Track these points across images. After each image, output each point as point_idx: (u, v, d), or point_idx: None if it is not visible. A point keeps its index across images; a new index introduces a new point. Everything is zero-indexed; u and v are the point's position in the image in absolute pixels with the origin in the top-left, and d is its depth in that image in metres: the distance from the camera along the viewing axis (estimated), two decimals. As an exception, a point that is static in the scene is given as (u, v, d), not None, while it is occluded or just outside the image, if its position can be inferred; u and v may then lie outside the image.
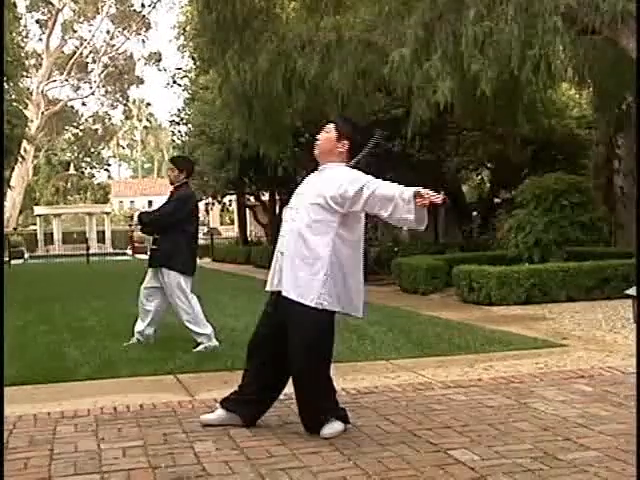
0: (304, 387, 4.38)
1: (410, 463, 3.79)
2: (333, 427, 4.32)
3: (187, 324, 7.40)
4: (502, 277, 10.66)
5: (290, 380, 4.50)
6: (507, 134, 16.83)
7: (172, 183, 7.69)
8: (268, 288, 4.54)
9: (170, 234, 7.38)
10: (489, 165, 21.02)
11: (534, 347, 7.09)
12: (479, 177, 24.13)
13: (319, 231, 4.29)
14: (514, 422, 4.48)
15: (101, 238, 45.51)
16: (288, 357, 4.35)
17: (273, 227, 27.80)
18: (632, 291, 7.49)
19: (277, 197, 27.01)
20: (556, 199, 12.40)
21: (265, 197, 27.99)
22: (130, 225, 9.18)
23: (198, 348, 7.27)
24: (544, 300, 10.63)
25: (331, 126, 4.54)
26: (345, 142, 4.46)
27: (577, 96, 19.15)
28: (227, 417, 4.56)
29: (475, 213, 21.65)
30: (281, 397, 5.18)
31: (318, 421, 4.34)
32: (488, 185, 23.15)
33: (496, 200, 21.39)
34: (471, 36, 10.06)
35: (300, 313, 4.26)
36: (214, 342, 7.33)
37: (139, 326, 7.70)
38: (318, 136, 4.57)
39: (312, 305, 4.24)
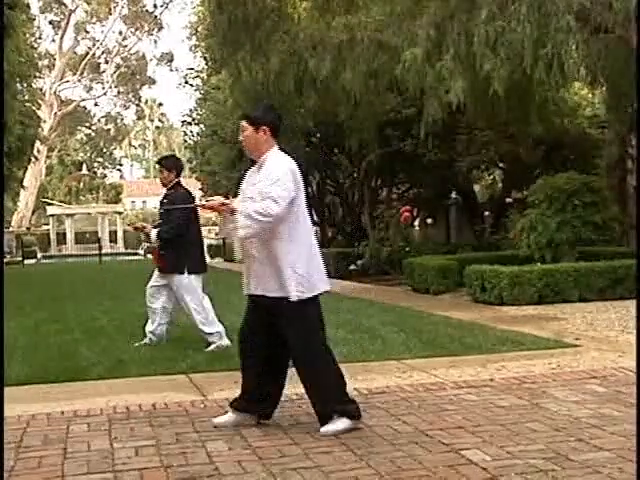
0: (307, 379, 4.48)
1: (422, 463, 3.79)
2: (335, 425, 4.35)
3: (199, 325, 7.41)
4: (514, 277, 10.63)
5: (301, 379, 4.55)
6: (519, 134, 16.75)
7: (164, 185, 7.68)
8: (246, 292, 4.63)
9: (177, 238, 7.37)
10: (501, 165, 20.95)
11: (546, 347, 7.06)
12: (491, 177, 24.07)
13: (272, 230, 4.37)
14: (526, 422, 4.47)
15: (113, 238, 45.72)
16: (289, 352, 4.48)
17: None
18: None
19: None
20: (568, 199, 12.34)
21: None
22: (148, 243, 9.10)
23: (210, 348, 7.29)
24: (556, 300, 10.59)
25: (243, 123, 4.62)
26: (264, 127, 4.53)
27: (590, 95, 19.07)
28: (239, 418, 4.59)
29: (487, 213, 21.59)
30: (293, 397, 5.20)
31: (325, 414, 4.40)
32: (500, 185, 23.09)
33: (508, 200, 21.29)
34: (483, 35, 10.04)
35: (285, 308, 4.37)
36: (225, 341, 7.33)
37: (149, 326, 7.73)
38: (240, 139, 4.65)
39: (294, 299, 4.35)
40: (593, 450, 3.91)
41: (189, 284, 7.40)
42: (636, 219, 11.02)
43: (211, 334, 7.37)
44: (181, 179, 7.75)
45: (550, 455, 3.84)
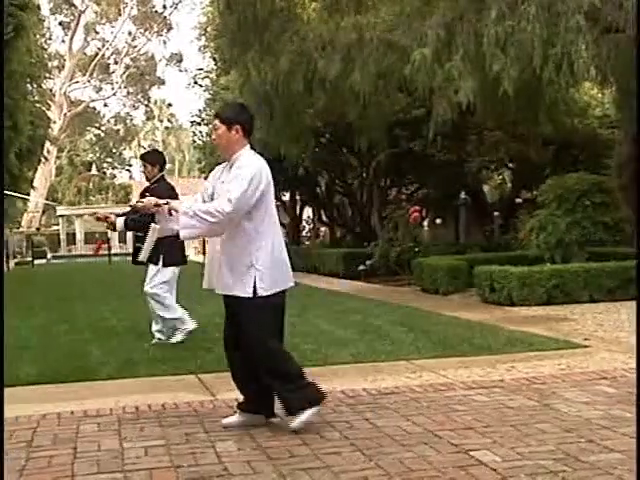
0: (264, 375, 4.52)
1: (431, 464, 3.78)
2: (300, 419, 4.42)
3: (158, 312, 7.70)
4: (524, 277, 10.60)
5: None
6: (529, 134, 16.72)
7: (148, 180, 7.72)
8: (205, 286, 4.74)
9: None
10: (510, 165, 20.90)
11: (556, 348, 7.05)
12: (500, 177, 24.01)
13: (238, 227, 4.43)
14: (536, 423, 4.46)
15: (122, 238, 45.76)
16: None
17: (294, 227, 27.85)
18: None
19: (298, 197, 27.03)
20: (578, 199, 12.31)
21: (286, 197, 28.02)
22: (113, 231, 8.99)
23: (152, 342, 7.70)
24: (566, 301, 10.56)
25: (216, 122, 4.64)
26: (236, 127, 4.55)
27: (600, 95, 18.99)
28: (247, 418, 4.63)
29: (496, 213, 21.54)
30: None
31: (288, 411, 4.48)
32: (509, 185, 23.03)
33: (517, 200, 21.26)
34: (493, 36, 10.02)
35: (244, 304, 4.44)
36: (191, 325, 7.74)
37: (155, 326, 7.80)
38: (212, 137, 4.71)
39: (250, 295, 4.41)
40: (604, 451, 3.89)
41: (163, 276, 7.60)
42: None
43: (159, 331, 7.70)
44: (164, 174, 7.78)
45: (560, 456, 3.83)
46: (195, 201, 4.64)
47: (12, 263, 32.83)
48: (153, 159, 7.74)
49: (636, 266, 10.03)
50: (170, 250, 7.54)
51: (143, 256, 5.51)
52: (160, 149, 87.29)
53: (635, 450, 3.54)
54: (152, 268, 7.65)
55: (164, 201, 4.66)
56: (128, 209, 7.58)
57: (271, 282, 4.45)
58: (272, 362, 4.49)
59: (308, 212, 30.80)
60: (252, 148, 4.64)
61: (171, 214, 4.55)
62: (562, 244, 12.16)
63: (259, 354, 4.48)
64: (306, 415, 4.42)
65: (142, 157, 8.00)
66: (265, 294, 4.43)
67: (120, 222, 7.54)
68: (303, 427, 4.39)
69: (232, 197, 4.34)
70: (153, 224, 4.75)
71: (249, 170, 4.43)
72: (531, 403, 4.98)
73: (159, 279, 7.64)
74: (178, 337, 7.75)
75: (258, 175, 4.43)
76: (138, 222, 7.15)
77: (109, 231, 41.69)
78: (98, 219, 7.93)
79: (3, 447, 3.74)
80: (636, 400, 4.13)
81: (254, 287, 4.40)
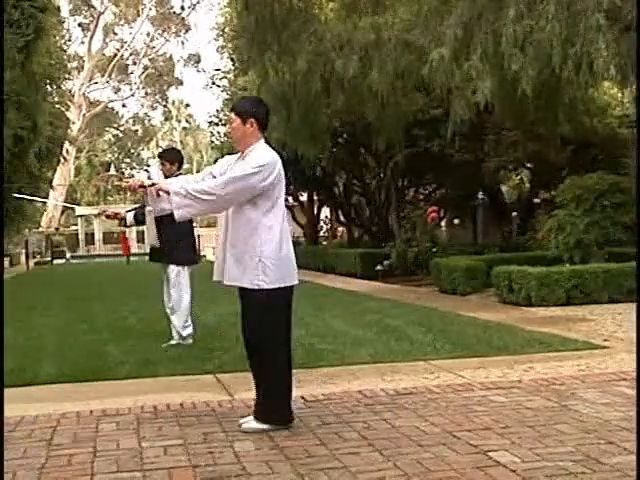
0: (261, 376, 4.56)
1: (450, 465, 3.77)
2: (256, 427, 4.46)
3: (171, 316, 7.70)
4: (542, 278, 10.55)
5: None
6: (547, 134, 16.63)
7: (167, 178, 7.71)
8: (215, 278, 4.69)
9: (169, 229, 7.23)
10: (528, 165, 20.80)
11: (575, 349, 7.01)
12: (518, 177, 23.90)
13: (243, 217, 4.44)
14: (555, 424, 4.44)
15: (141, 238, 45.96)
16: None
17: (311, 227, 27.86)
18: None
19: (315, 197, 27.03)
20: (597, 199, 12.24)
21: (303, 197, 28.04)
22: (126, 228, 9.04)
23: (171, 342, 7.65)
24: (585, 301, 10.50)
25: (232, 114, 4.66)
26: (251, 120, 4.54)
27: (619, 95, 18.86)
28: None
29: (514, 213, 21.45)
30: (320, 397, 5.21)
31: (256, 412, 4.51)
32: (527, 185, 22.92)
33: (535, 200, 21.16)
34: (511, 35, 9.97)
35: (249, 296, 4.47)
36: (188, 341, 7.66)
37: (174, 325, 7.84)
38: (227, 130, 4.72)
39: (254, 287, 4.41)
40: (623, 453, 3.86)
41: (178, 274, 7.61)
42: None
43: (177, 331, 7.67)
44: (182, 172, 7.81)
45: (580, 458, 3.81)
46: (194, 181, 4.62)
47: (32, 263, 33.06)
48: (172, 157, 7.75)
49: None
50: (185, 248, 7.57)
51: (151, 239, 5.42)
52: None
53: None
54: (172, 268, 7.64)
55: (150, 182, 4.64)
56: (137, 205, 7.61)
57: (275, 276, 4.42)
58: (267, 362, 4.48)
59: (326, 212, 30.81)
60: (268, 144, 4.64)
61: (159, 195, 4.52)
62: (581, 244, 12.09)
63: (256, 347, 4.50)
64: (265, 427, 4.43)
65: (160, 155, 8.01)
66: (267, 287, 4.40)
67: (130, 217, 7.60)
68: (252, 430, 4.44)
69: (232, 176, 4.36)
70: (148, 207, 4.71)
71: (260, 159, 4.44)
72: (550, 404, 4.95)
73: (179, 281, 7.65)
74: (173, 342, 7.75)
75: (268, 166, 4.43)
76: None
77: (127, 230, 41.90)
78: (108, 217, 7.99)
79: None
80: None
81: (257, 279, 4.39)
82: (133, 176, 61.84)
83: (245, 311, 4.54)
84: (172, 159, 7.69)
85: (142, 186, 4.61)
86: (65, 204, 44.15)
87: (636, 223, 10.90)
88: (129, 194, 49.40)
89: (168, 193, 4.44)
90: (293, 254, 4.60)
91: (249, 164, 4.42)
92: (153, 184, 4.60)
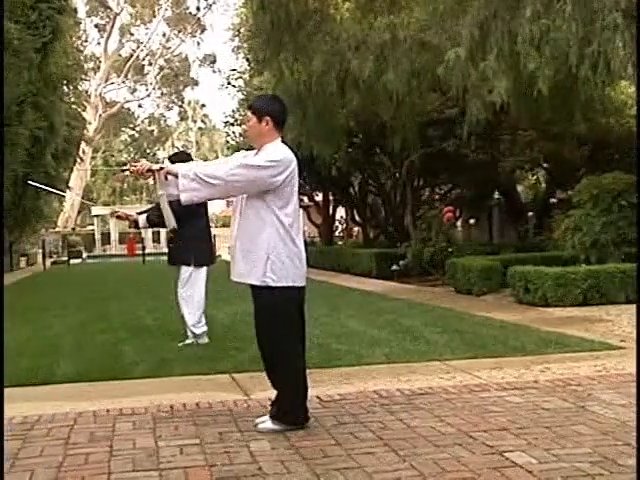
0: (276, 377, 4.57)
1: (466, 465, 3.76)
2: (271, 427, 4.46)
3: (186, 317, 7.71)
4: (559, 278, 10.50)
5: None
6: (563, 133, 16.56)
7: None
8: (232, 277, 4.65)
9: (181, 231, 7.29)
10: (545, 165, 20.72)
11: (591, 349, 6.97)
12: (534, 177, 23.82)
13: (255, 214, 4.41)
14: (572, 425, 4.42)
15: (156, 238, 46.15)
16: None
17: (326, 227, 27.86)
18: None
19: (331, 197, 27.03)
20: (614, 199, 12.16)
21: (319, 197, 28.05)
22: (135, 230, 9.14)
23: (186, 341, 7.68)
24: (602, 302, 10.44)
25: (248, 113, 4.65)
26: (267, 118, 4.51)
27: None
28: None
29: (530, 213, 21.37)
30: (336, 397, 5.21)
31: (272, 410, 4.51)
32: (543, 185, 22.84)
33: (552, 200, 21.08)
34: (527, 34, 9.94)
35: (255, 294, 4.47)
36: (203, 340, 7.70)
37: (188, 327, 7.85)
38: (243, 129, 4.71)
39: (260, 284, 4.39)
40: (641, 454, 3.84)
41: (191, 275, 7.62)
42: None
43: (194, 327, 7.69)
44: None
45: (597, 459, 3.79)
46: (204, 165, 4.62)
47: (48, 262, 33.26)
48: (182, 160, 7.77)
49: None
50: (200, 249, 7.59)
51: (169, 223, 5.36)
52: (193, 150, 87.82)
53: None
54: (185, 269, 7.66)
55: (158, 166, 4.60)
56: (150, 206, 7.59)
57: (282, 275, 4.38)
58: (281, 362, 4.47)
59: (341, 212, 30.81)
60: (285, 143, 4.61)
61: (167, 178, 4.50)
62: (597, 244, 12.02)
63: (268, 347, 4.48)
64: (281, 427, 4.43)
65: (170, 158, 8.04)
66: (274, 285, 4.36)
67: (142, 219, 7.57)
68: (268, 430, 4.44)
69: (243, 163, 4.36)
70: (160, 191, 4.67)
71: (274, 154, 4.41)
72: (566, 405, 4.93)
73: (192, 281, 7.67)
74: (188, 341, 7.76)
75: (282, 163, 4.40)
76: (161, 217, 7.19)
77: (142, 231, 42.12)
78: (119, 217, 7.91)
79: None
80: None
81: (265, 276, 4.36)
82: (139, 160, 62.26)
83: (255, 310, 4.52)
84: (182, 162, 7.70)
85: (150, 170, 4.57)
86: (81, 199, 44.40)
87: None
88: (144, 194, 49.64)
89: (177, 176, 4.40)
90: (304, 256, 4.54)
91: (263, 158, 4.40)
92: (161, 168, 4.57)
